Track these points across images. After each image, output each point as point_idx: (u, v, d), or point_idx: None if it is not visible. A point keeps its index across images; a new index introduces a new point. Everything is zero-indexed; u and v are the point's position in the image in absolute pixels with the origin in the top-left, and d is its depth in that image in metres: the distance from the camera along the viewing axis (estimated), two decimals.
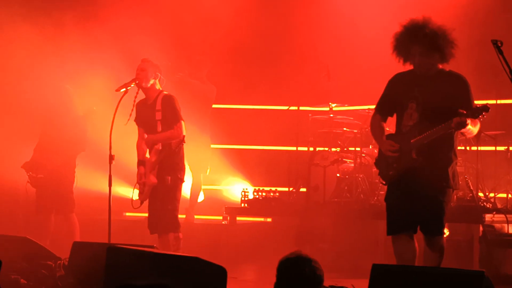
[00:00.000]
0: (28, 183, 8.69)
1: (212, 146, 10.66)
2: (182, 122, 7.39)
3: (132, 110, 7.38)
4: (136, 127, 7.60)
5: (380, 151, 6.05)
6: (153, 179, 7.35)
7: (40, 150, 8.71)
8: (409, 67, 5.93)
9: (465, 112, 5.52)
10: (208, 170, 10.35)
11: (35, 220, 8.78)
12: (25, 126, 9.70)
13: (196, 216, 10.54)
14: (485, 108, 5.55)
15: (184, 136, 7.41)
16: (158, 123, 7.40)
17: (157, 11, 10.89)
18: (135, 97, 7.38)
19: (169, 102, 7.40)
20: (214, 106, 10.59)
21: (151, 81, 7.43)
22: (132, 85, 7.36)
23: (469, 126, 5.59)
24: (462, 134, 5.84)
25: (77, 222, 8.73)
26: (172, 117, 7.37)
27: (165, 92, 7.49)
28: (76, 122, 8.64)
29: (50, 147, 8.61)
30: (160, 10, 10.91)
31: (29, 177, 8.67)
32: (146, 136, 7.51)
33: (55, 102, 8.73)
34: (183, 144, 7.46)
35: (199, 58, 10.48)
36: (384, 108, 6.09)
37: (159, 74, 7.48)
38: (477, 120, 5.67)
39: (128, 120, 7.36)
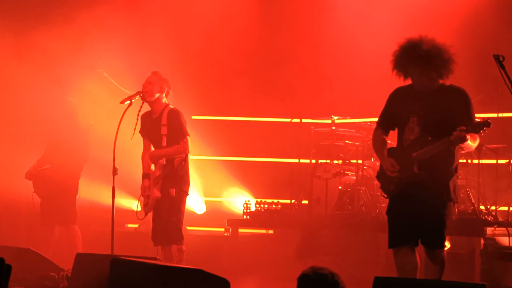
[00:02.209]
0: (35, 193, 8.73)
1: (215, 158, 10.67)
2: (188, 138, 7.40)
3: (136, 124, 7.39)
4: (140, 139, 7.63)
5: (381, 165, 6.08)
6: (156, 193, 7.36)
7: (45, 162, 8.75)
8: (410, 81, 5.97)
9: (464, 128, 5.56)
10: None
11: (39, 231, 8.81)
12: (28, 138, 9.75)
13: (198, 228, 10.56)
14: (487, 123, 5.57)
15: (188, 152, 7.43)
16: (164, 138, 7.39)
17: (160, 22, 10.92)
18: (139, 110, 7.40)
19: (175, 117, 7.39)
20: (218, 118, 10.59)
21: (157, 95, 7.42)
22: (136, 98, 7.37)
23: (468, 142, 5.63)
24: (461, 148, 5.86)
25: (79, 234, 8.76)
26: (178, 132, 7.37)
27: (171, 106, 7.48)
28: (80, 135, 8.69)
29: (54, 159, 8.65)
30: (162, 22, 10.95)
31: (33, 185, 8.71)
32: (152, 149, 7.53)
33: (58, 115, 8.78)
34: (187, 160, 7.49)
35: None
36: (385, 123, 6.13)
37: (166, 88, 7.47)
38: (476, 135, 5.70)
39: (133, 134, 7.38)
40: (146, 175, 7.47)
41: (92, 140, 8.80)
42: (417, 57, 5.73)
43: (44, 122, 9.07)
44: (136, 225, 10.21)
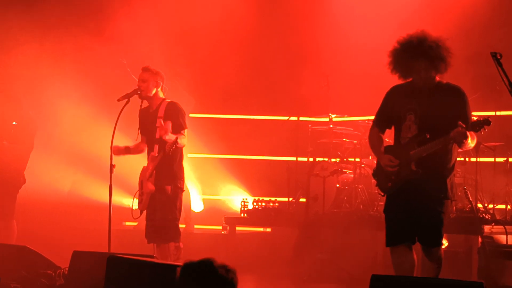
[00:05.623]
0: None
1: (213, 156, 10.68)
2: (186, 131, 7.39)
3: (139, 124, 7.43)
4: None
5: (378, 163, 6.07)
6: (150, 186, 7.34)
7: None
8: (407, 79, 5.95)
9: (464, 125, 5.54)
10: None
11: None
12: None
13: (196, 226, 10.56)
14: (487, 121, 5.54)
15: (184, 144, 7.41)
16: (158, 130, 7.39)
17: (149, 19, 10.89)
18: (140, 109, 7.43)
19: (173, 109, 7.39)
20: (216, 116, 10.62)
21: (154, 90, 7.43)
22: (133, 96, 7.38)
23: (467, 140, 5.61)
24: (459, 147, 5.84)
25: (16, 229, 8.51)
26: (177, 125, 7.35)
27: (168, 100, 7.49)
28: (24, 125, 8.53)
29: None
30: (153, 18, 10.91)
31: None
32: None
33: (2, 105, 8.63)
34: (182, 152, 7.47)
35: (179, 70, 10.47)
36: (382, 121, 6.12)
37: (160, 82, 7.48)
38: (474, 134, 5.69)
39: (138, 134, 7.41)
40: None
41: (35, 131, 8.65)
42: (429, 48, 5.67)
43: None
44: (134, 223, 10.21)
